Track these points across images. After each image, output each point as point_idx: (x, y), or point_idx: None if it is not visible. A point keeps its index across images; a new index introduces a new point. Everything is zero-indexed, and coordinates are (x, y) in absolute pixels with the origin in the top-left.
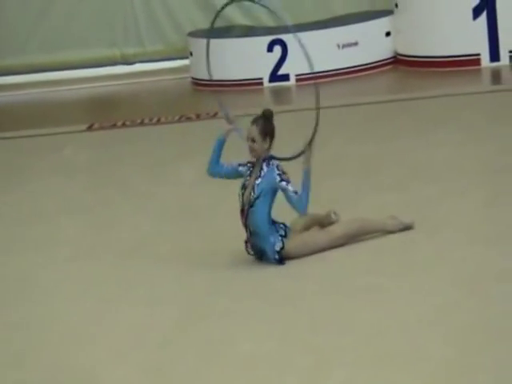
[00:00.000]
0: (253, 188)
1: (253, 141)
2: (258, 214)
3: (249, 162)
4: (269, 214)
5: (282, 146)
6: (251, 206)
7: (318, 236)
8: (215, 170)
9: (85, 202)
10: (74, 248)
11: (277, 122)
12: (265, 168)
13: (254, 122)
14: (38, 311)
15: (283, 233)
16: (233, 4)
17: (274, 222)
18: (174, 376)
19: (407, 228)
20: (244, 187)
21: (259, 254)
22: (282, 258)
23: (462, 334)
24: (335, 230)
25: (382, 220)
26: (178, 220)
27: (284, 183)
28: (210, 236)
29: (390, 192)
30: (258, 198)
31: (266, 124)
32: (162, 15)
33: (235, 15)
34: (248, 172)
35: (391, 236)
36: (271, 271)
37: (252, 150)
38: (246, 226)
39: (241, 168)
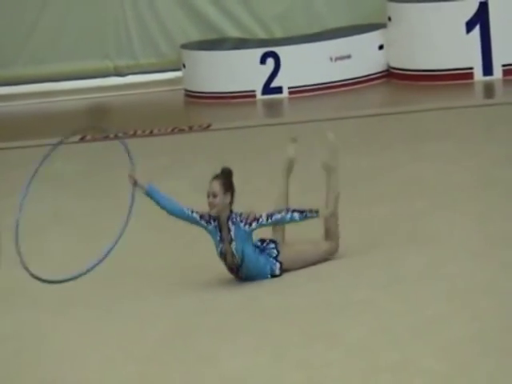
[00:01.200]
0: (233, 254)
1: (214, 196)
2: (249, 264)
3: (209, 216)
4: (255, 251)
5: (273, 158)
6: (240, 265)
7: (308, 247)
8: (172, 208)
9: (73, 214)
10: (61, 261)
11: (269, 134)
12: (232, 228)
13: (215, 177)
14: (24, 325)
15: (275, 252)
16: (224, 16)
17: (263, 247)
18: None
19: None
20: (222, 254)
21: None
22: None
23: (453, 348)
24: (322, 244)
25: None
26: (168, 233)
27: (255, 224)
28: (200, 250)
29: (380, 205)
30: (242, 258)
31: (227, 179)
32: (155, 27)
33: (227, 28)
34: (217, 236)
35: (381, 248)
36: (260, 286)
37: (213, 206)
38: (239, 276)
39: (201, 220)
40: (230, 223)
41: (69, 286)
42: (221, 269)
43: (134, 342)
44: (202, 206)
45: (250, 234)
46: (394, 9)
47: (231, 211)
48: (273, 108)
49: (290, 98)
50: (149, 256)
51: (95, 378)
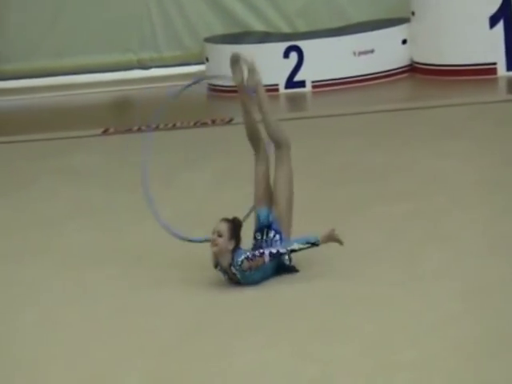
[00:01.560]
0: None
1: (219, 235)
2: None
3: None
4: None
5: (295, 152)
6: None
7: (286, 189)
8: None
9: (95, 207)
10: (81, 253)
11: (292, 127)
12: (237, 273)
13: (225, 219)
14: (43, 318)
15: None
16: (248, 10)
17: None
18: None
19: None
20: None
21: None
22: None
23: (468, 345)
24: (285, 167)
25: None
26: (190, 226)
27: (260, 266)
28: None
29: (399, 201)
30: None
31: (236, 228)
32: (179, 20)
33: (251, 21)
34: (226, 277)
35: (398, 246)
36: (273, 281)
37: (214, 245)
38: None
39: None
40: (232, 269)
41: (83, 281)
42: None
43: (147, 336)
44: (223, 199)
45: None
46: (418, 3)
47: (232, 259)
48: (296, 102)
49: (312, 92)
50: (164, 250)
51: (108, 373)
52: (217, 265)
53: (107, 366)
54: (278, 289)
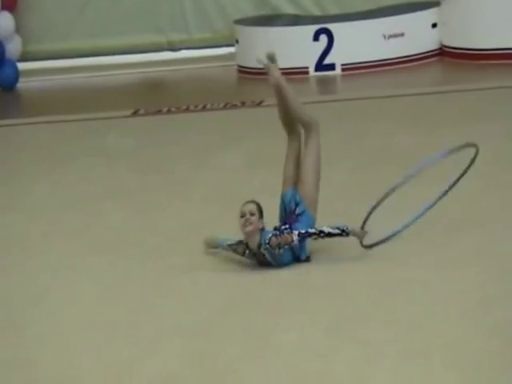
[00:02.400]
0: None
1: (251, 214)
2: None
3: (240, 242)
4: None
5: (325, 134)
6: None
7: (312, 169)
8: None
9: (128, 188)
10: (117, 234)
11: (322, 110)
12: (266, 253)
13: (249, 201)
14: (79, 298)
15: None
16: None
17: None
18: (214, 365)
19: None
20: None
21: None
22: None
23: (504, 328)
24: (312, 146)
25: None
26: (222, 207)
27: (288, 246)
28: None
29: (432, 184)
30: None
31: (261, 208)
32: (209, 2)
33: (282, 4)
34: (254, 261)
35: (433, 229)
36: (316, 263)
37: (248, 224)
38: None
39: (234, 246)
40: (262, 249)
41: (118, 261)
42: None
43: (185, 317)
44: (253, 181)
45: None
46: None
47: (260, 239)
48: (325, 85)
49: (342, 75)
50: (205, 228)
51: (146, 351)
52: (244, 251)
53: (144, 346)
54: (314, 270)
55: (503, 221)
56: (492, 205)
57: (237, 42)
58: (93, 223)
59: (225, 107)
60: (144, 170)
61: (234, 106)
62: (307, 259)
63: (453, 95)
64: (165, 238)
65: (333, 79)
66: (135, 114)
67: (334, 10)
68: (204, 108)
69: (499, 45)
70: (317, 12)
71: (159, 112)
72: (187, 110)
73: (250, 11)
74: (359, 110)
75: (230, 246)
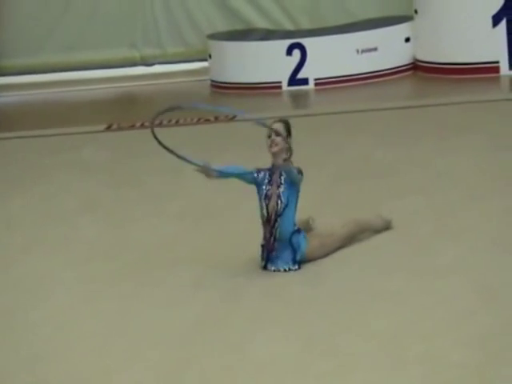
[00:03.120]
0: (278, 197)
1: (277, 134)
2: (286, 222)
3: (259, 170)
4: (294, 217)
5: (298, 149)
6: (279, 215)
7: (329, 239)
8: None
9: (102, 202)
10: (92, 248)
11: (296, 125)
12: (284, 173)
13: (280, 120)
14: (56, 311)
15: (304, 233)
16: (251, 7)
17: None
18: (190, 377)
19: (389, 226)
20: (267, 197)
21: (275, 260)
22: (299, 261)
23: (481, 341)
24: (340, 232)
25: (369, 219)
26: (196, 222)
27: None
28: (228, 239)
29: (409, 197)
30: (286, 206)
31: (289, 127)
32: (182, 17)
33: (255, 18)
34: (266, 179)
35: (411, 240)
36: (289, 275)
37: (274, 145)
38: (271, 234)
39: (253, 174)
40: (282, 168)
41: (94, 275)
42: (251, 256)
43: (162, 328)
44: (226, 195)
45: (297, 188)
46: (421, 1)
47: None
48: (298, 99)
49: (315, 90)
50: (179, 242)
51: (124, 363)
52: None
53: (121, 359)
54: (289, 282)
55: (480, 232)
56: (469, 216)
57: (210, 56)
58: (68, 237)
59: (198, 122)
60: (119, 184)
61: (208, 121)
62: (299, 265)
63: (426, 109)
64: (140, 251)
65: (306, 94)
66: (109, 128)
67: (307, 25)
68: (177, 123)
69: (472, 59)
70: (290, 26)
71: (133, 127)
72: (160, 124)
73: (223, 26)
74: (333, 125)
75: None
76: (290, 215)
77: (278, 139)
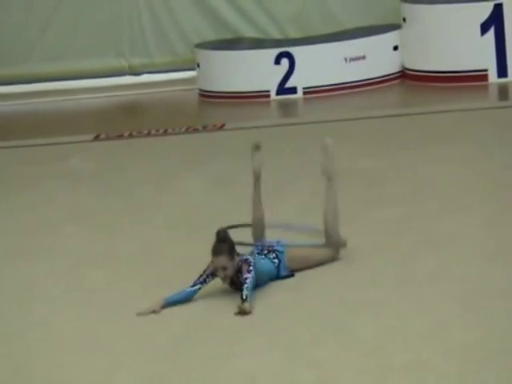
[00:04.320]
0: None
1: (224, 269)
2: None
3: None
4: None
5: (287, 158)
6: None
7: (308, 252)
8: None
9: (89, 211)
10: (77, 257)
11: (284, 134)
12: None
13: (217, 252)
14: (40, 321)
15: (277, 262)
16: (239, 16)
17: (265, 253)
18: None
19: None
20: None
21: None
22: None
23: (464, 350)
24: (321, 251)
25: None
26: (183, 231)
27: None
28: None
29: (394, 206)
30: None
31: (228, 245)
32: (170, 26)
33: (242, 27)
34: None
35: (393, 249)
36: (271, 285)
37: (226, 278)
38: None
39: (200, 284)
40: (238, 275)
41: (79, 284)
42: None
43: (145, 339)
44: (216, 204)
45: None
46: (409, 10)
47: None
48: (287, 108)
49: (304, 99)
50: (165, 251)
51: (107, 374)
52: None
53: (103, 370)
54: (271, 291)
55: (463, 242)
56: (453, 226)
57: (198, 65)
58: (54, 246)
59: (186, 131)
60: (105, 194)
61: (196, 130)
62: (290, 275)
63: (414, 118)
64: (125, 261)
65: (294, 103)
66: (97, 138)
67: (295, 34)
68: (165, 132)
69: (460, 67)
70: (278, 35)
71: (121, 136)
72: (148, 134)
73: (211, 35)
74: (321, 134)
75: (202, 283)
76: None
77: (228, 272)
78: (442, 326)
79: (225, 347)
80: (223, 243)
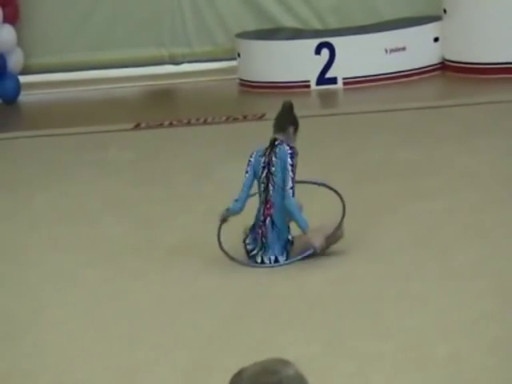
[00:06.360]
0: (271, 176)
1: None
2: (278, 202)
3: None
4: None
5: (327, 148)
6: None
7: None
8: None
9: (129, 201)
10: (118, 247)
11: (324, 124)
12: (277, 148)
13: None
14: (81, 310)
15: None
16: (280, 6)
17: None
18: (213, 378)
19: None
20: (263, 169)
21: (263, 246)
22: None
23: (502, 343)
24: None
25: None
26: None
27: (290, 169)
28: None
29: (433, 199)
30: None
31: (291, 115)
32: (210, 16)
33: (283, 18)
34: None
35: (433, 242)
36: (314, 276)
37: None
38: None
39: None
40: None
41: (119, 274)
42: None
43: (184, 330)
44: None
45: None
46: (450, 1)
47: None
48: (327, 98)
49: (344, 89)
50: (206, 241)
51: (147, 363)
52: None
53: (145, 358)
54: (312, 282)
55: (503, 235)
56: (491, 218)
57: (238, 55)
58: (93, 236)
59: (226, 121)
60: (145, 184)
61: (236, 120)
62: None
63: (454, 109)
64: (166, 251)
65: (334, 93)
66: (137, 127)
67: (335, 24)
68: (205, 122)
69: (501, 59)
70: (318, 26)
71: (161, 125)
72: (189, 123)
73: (252, 25)
74: (360, 124)
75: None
76: (280, 197)
77: None
78: (480, 320)
79: (265, 337)
80: (285, 110)
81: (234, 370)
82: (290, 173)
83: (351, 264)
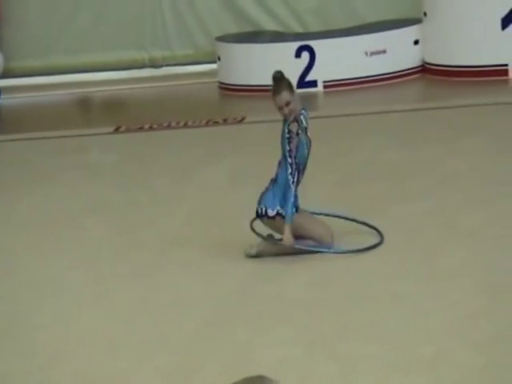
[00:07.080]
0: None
1: (288, 104)
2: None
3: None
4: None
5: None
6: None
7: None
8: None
9: (110, 204)
10: (100, 249)
11: None
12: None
13: (278, 90)
14: (64, 313)
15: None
16: (260, 9)
17: None
18: (196, 380)
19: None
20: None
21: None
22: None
23: (490, 343)
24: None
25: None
26: (205, 223)
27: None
28: (236, 240)
29: (418, 200)
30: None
31: (287, 81)
32: (191, 19)
33: (263, 21)
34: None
35: (420, 242)
36: (297, 277)
37: (291, 112)
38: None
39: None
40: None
41: (101, 277)
42: (260, 258)
43: (169, 330)
44: (237, 197)
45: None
46: (430, 4)
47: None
48: (307, 102)
49: (324, 92)
50: (187, 244)
51: (131, 365)
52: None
53: (129, 361)
54: (296, 283)
55: (489, 235)
56: (476, 219)
57: (219, 58)
58: (76, 239)
59: (207, 124)
60: (127, 186)
61: (216, 123)
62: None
63: (434, 112)
64: (148, 253)
65: (315, 96)
66: (117, 130)
67: (315, 27)
68: (186, 125)
69: (480, 62)
70: (298, 29)
71: (141, 129)
72: (169, 126)
73: (232, 28)
74: (341, 127)
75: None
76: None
77: (292, 105)
78: (467, 320)
79: (248, 339)
80: (281, 80)
81: (217, 373)
82: (289, 159)
83: (336, 265)
